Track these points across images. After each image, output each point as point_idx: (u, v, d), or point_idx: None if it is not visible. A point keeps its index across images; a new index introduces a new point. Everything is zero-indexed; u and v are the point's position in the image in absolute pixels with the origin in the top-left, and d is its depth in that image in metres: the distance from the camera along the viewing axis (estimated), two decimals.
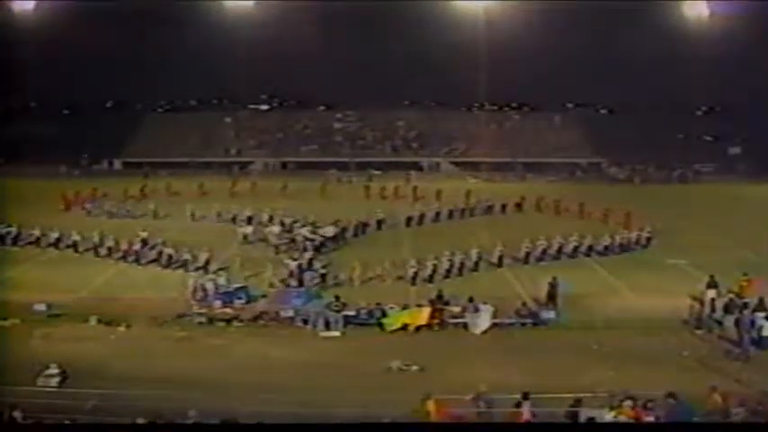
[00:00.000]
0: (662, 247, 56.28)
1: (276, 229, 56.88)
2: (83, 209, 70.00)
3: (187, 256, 49.36)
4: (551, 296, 42.22)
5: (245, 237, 57.62)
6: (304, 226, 56.58)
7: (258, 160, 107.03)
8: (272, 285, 45.63)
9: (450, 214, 68.56)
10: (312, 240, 53.90)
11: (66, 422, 24.94)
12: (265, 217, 62.40)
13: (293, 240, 54.10)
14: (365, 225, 61.49)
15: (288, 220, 59.21)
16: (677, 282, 46.02)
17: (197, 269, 47.51)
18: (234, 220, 64.56)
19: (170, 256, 50.26)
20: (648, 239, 57.34)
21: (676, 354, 35.12)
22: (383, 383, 31.09)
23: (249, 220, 63.12)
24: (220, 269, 47.43)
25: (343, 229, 58.90)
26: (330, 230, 57.22)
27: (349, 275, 46.79)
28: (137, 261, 51.40)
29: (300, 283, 45.16)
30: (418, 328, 38.85)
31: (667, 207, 71.92)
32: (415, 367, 33.43)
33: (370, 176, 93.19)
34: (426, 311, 39.40)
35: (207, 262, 48.07)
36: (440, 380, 31.05)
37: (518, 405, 26.33)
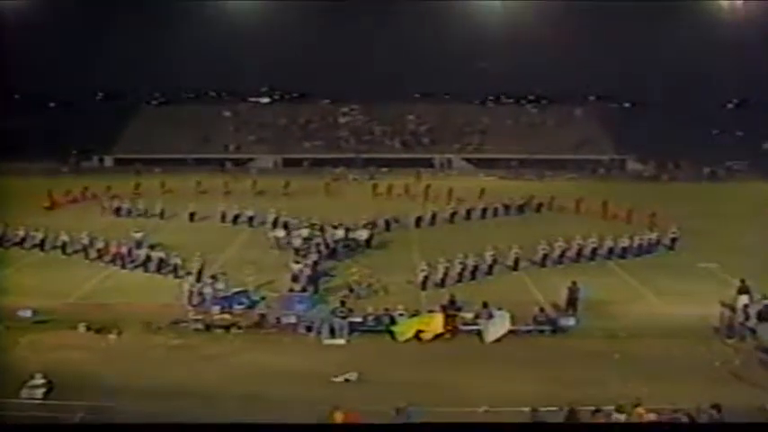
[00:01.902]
0: (690, 249, 55.92)
1: (305, 231, 55.76)
2: (103, 207, 69.47)
3: (176, 260, 49.32)
4: (571, 302, 42.12)
5: (278, 240, 56.70)
6: (327, 229, 56.36)
7: (259, 156, 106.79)
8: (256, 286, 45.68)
9: (467, 214, 68.31)
10: (341, 242, 54.81)
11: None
12: (270, 218, 62.09)
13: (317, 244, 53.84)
14: (373, 225, 60.97)
15: (308, 222, 58.28)
16: (707, 287, 45.97)
17: (188, 274, 47.22)
18: (235, 220, 64.62)
19: (161, 260, 50.18)
20: (675, 241, 57.15)
21: (706, 364, 35.02)
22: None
23: (251, 220, 63.54)
24: (219, 273, 47.13)
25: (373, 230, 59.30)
26: (363, 234, 57.21)
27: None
28: (123, 266, 51.28)
29: (304, 289, 45.14)
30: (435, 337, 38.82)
31: (696, 207, 71.52)
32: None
33: (371, 175, 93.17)
34: (439, 318, 39.26)
35: (201, 267, 47.74)
36: (442, 390, 30.97)
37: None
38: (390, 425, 26.12)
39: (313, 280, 46.18)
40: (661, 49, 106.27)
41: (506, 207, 70.13)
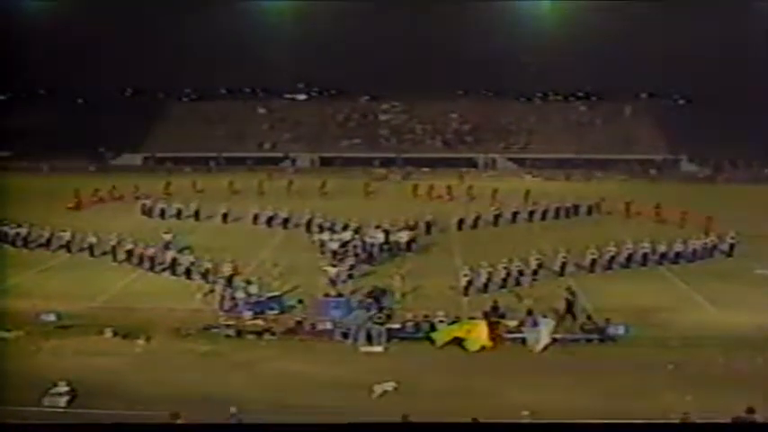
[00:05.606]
0: (749, 255, 55.31)
1: (347, 234, 55.75)
2: (144, 206, 68.91)
3: (207, 264, 49.27)
4: (569, 309, 41.93)
5: (323, 244, 55.64)
6: (366, 231, 56.33)
7: (295, 155, 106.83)
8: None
9: (513, 217, 67.88)
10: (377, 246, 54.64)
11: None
12: (305, 219, 62.16)
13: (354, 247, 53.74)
14: (414, 227, 60.57)
15: (342, 224, 58.51)
16: (766, 295, 45.38)
17: (219, 278, 47.15)
18: (269, 221, 64.56)
19: (191, 263, 50.16)
20: (733, 246, 56.54)
21: (764, 377, 34.55)
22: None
23: (286, 222, 63.57)
24: (253, 277, 47.09)
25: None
26: (405, 236, 56.98)
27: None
28: (152, 268, 51.45)
29: (340, 294, 45.03)
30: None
31: (755, 210, 70.61)
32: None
33: (406, 174, 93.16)
34: (483, 327, 38.88)
35: (234, 271, 47.70)
36: (486, 403, 30.80)
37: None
38: (390, 424, 26.07)
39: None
40: (716, 42, 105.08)
41: (556, 210, 69.71)
